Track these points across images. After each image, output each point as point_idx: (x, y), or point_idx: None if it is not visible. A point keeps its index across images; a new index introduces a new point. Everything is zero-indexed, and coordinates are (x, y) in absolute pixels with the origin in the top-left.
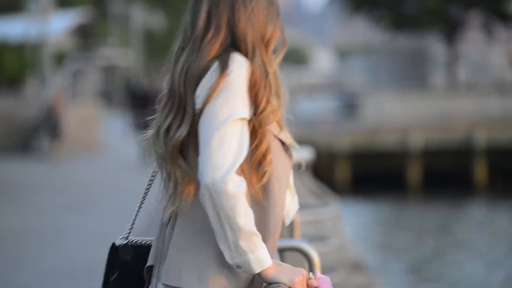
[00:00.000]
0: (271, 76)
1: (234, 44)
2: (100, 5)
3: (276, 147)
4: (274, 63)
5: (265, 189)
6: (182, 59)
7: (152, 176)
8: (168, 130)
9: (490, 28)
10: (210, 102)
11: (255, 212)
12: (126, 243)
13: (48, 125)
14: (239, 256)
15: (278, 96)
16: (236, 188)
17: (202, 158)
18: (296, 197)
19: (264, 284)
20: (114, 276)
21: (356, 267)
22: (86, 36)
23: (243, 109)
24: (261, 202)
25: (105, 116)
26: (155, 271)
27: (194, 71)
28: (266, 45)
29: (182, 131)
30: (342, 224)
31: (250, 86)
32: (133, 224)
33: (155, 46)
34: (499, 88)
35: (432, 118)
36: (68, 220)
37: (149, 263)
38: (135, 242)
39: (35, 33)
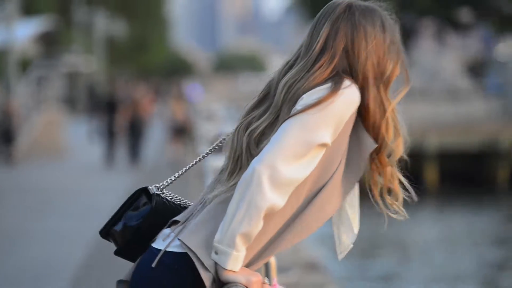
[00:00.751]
0: (389, 113)
1: (350, 73)
2: (64, 13)
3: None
4: (393, 101)
5: (321, 188)
6: (290, 74)
7: (213, 147)
8: (254, 128)
9: (442, 36)
10: (309, 112)
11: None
12: (160, 193)
13: (2, 130)
14: (225, 244)
15: (397, 132)
16: (279, 189)
17: (268, 148)
18: (355, 232)
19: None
20: (134, 223)
21: (311, 267)
22: (50, 43)
23: (330, 135)
24: (307, 199)
25: (69, 121)
26: (178, 228)
27: (299, 89)
28: (385, 83)
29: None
30: None
31: (364, 118)
32: (173, 181)
33: (117, 53)
34: (450, 95)
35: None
36: (34, 220)
37: (177, 218)
38: (169, 196)
39: (0, 40)
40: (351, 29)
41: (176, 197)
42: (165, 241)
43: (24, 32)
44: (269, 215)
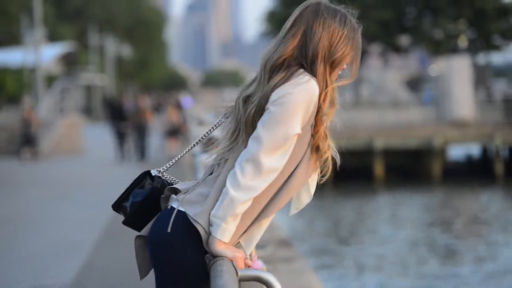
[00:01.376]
0: (330, 89)
1: (305, 52)
2: (81, 39)
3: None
4: (335, 82)
5: (295, 169)
6: (267, 49)
7: (215, 125)
8: (247, 99)
9: (386, 57)
10: (279, 109)
11: (274, 186)
12: (160, 176)
13: (23, 133)
14: (218, 218)
15: (332, 104)
16: (268, 173)
17: (251, 143)
18: (311, 193)
19: (211, 260)
20: (139, 199)
21: (283, 243)
22: (70, 63)
23: (300, 125)
24: (284, 179)
25: (86, 125)
26: (180, 196)
27: (273, 59)
28: (332, 65)
29: (253, 108)
30: None
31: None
32: (171, 165)
33: (124, 71)
34: (393, 104)
35: (340, 127)
36: (53, 208)
37: (179, 186)
38: (167, 178)
39: (30, 61)
40: (313, 16)
41: (174, 179)
42: (176, 203)
43: (49, 54)
44: (255, 198)
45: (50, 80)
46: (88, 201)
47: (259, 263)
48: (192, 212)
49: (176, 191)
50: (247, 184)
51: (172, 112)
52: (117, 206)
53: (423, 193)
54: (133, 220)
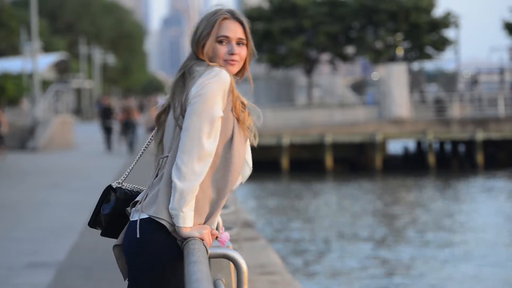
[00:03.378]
0: (207, 50)
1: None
2: (72, 49)
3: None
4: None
5: (230, 147)
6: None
7: (149, 141)
8: (168, 108)
9: (334, 64)
10: (201, 99)
11: (220, 168)
12: (121, 186)
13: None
14: (175, 209)
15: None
16: (206, 157)
17: (184, 136)
18: (250, 164)
19: (183, 242)
20: (107, 211)
21: (246, 225)
22: (63, 70)
23: (220, 109)
24: (226, 159)
25: (77, 123)
26: (138, 206)
27: (188, 61)
28: (201, 45)
29: (178, 107)
30: (237, 196)
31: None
32: (127, 175)
33: (109, 76)
34: (340, 105)
35: (296, 125)
36: (51, 193)
37: (138, 198)
38: (128, 187)
39: (28, 68)
40: (200, 20)
41: (134, 187)
42: (136, 214)
43: (44, 62)
44: (202, 182)
45: (45, 84)
46: (79, 188)
47: (226, 234)
48: (151, 212)
49: (135, 203)
50: (189, 172)
51: (153, 111)
52: (92, 222)
53: (366, 181)
54: (108, 231)
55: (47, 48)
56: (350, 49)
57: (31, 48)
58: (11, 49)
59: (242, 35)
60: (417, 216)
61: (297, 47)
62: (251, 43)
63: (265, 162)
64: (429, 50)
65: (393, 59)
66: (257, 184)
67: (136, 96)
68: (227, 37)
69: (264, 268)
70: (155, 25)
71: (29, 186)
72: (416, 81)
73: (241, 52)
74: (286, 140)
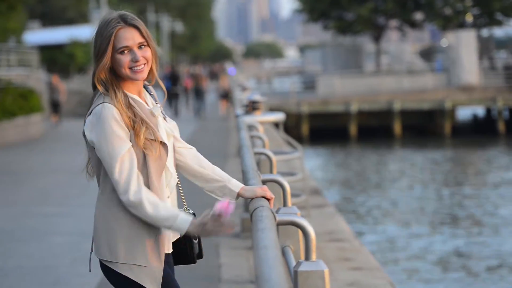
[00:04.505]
0: (121, 96)
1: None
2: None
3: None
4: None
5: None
6: None
7: None
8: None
9: (403, 30)
10: (100, 143)
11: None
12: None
13: (51, 98)
14: (171, 227)
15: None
16: (135, 195)
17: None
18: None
19: (252, 209)
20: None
21: (314, 192)
22: None
23: (124, 142)
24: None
25: None
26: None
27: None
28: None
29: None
30: (305, 164)
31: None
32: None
33: (177, 44)
34: (409, 72)
35: (364, 92)
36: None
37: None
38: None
39: None
40: (95, 35)
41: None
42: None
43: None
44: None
45: None
46: None
47: (223, 203)
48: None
49: None
50: (134, 201)
51: (224, 79)
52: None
53: (435, 148)
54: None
55: None
56: (418, 16)
57: (99, 15)
58: (79, 17)
59: (140, 39)
60: (487, 184)
61: (365, 13)
62: (152, 42)
63: (333, 129)
64: (499, 16)
65: (462, 25)
66: (325, 152)
67: (204, 64)
68: (127, 46)
69: (332, 235)
70: None
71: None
72: (486, 47)
73: (145, 54)
74: (354, 107)
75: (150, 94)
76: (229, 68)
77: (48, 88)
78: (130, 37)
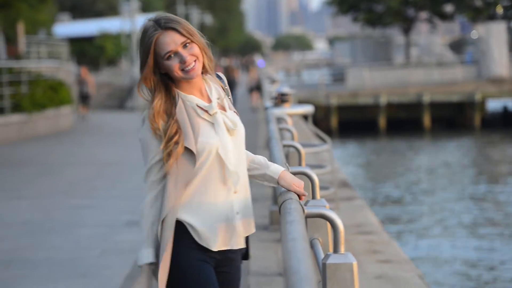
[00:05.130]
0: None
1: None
2: (170, 9)
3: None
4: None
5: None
6: None
7: None
8: None
9: (433, 22)
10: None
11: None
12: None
13: (79, 92)
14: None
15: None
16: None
17: None
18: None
19: (281, 201)
20: None
21: (343, 185)
22: None
23: (153, 154)
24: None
25: None
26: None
27: None
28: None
29: None
30: (334, 156)
31: None
32: None
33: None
34: (438, 64)
35: (394, 84)
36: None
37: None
38: None
39: (126, 28)
40: (138, 47)
41: None
42: None
43: (143, 22)
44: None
45: None
46: None
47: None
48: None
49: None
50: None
51: (253, 72)
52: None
53: (466, 140)
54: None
55: (145, 8)
56: (448, 7)
57: (129, 8)
58: (109, 9)
59: (182, 39)
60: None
61: (394, 5)
62: (197, 36)
63: (363, 122)
64: None
65: (492, 17)
66: (354, 144)
67: (233, 56)
68: (170, 51)
69: (361, 227)
70: None
71: (124, 145)
72: None
73: (192, 51)
74: (383, 100)
75: (222, 81)
76: (259, 60)
77: (77, 80)
78: (170, 40)
